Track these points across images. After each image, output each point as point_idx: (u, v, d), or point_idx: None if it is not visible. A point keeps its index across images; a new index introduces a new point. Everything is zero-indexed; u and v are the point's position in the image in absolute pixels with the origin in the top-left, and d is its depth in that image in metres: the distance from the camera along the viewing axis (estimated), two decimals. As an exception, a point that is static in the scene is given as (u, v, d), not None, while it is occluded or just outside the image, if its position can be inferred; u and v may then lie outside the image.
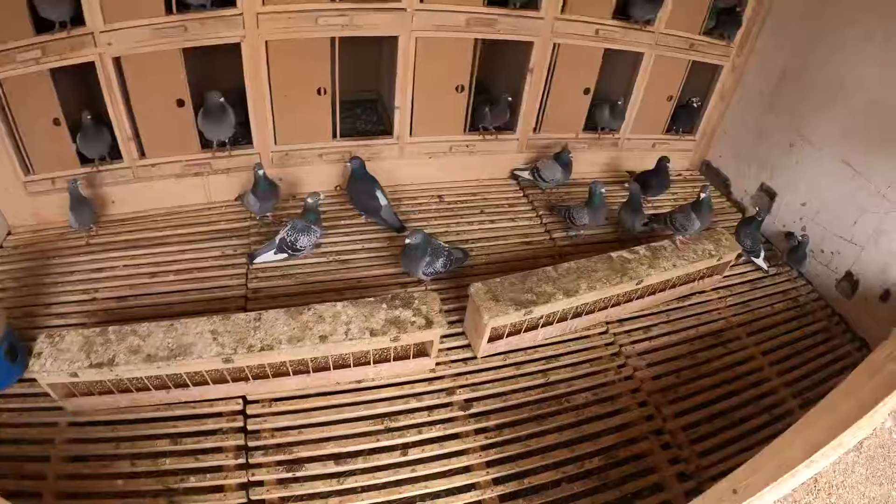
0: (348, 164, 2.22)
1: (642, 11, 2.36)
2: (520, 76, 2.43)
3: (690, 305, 2.19)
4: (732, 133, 2.85)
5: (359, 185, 2.23)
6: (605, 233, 2.45)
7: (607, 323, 2.02)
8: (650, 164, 2.62)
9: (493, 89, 2.65)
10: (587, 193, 2.25)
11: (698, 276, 2.16)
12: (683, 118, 2.86)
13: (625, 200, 2.36)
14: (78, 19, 1.88)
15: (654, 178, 2.58)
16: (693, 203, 2.12)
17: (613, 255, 1.98)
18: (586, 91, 2.54)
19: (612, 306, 1.98)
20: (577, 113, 2.62)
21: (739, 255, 2.24)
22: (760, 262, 2.38)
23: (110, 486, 1.44)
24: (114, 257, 2.12)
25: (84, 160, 2.20)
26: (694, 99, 2.81)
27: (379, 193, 2.21)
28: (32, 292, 1.98)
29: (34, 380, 1.52)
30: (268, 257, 2.05)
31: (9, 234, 2.23)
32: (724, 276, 2.28)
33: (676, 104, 2.77)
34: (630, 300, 2.02)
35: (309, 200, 2.03)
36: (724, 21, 2.58)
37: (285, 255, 2.05)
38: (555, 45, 2.34)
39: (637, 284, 1.92)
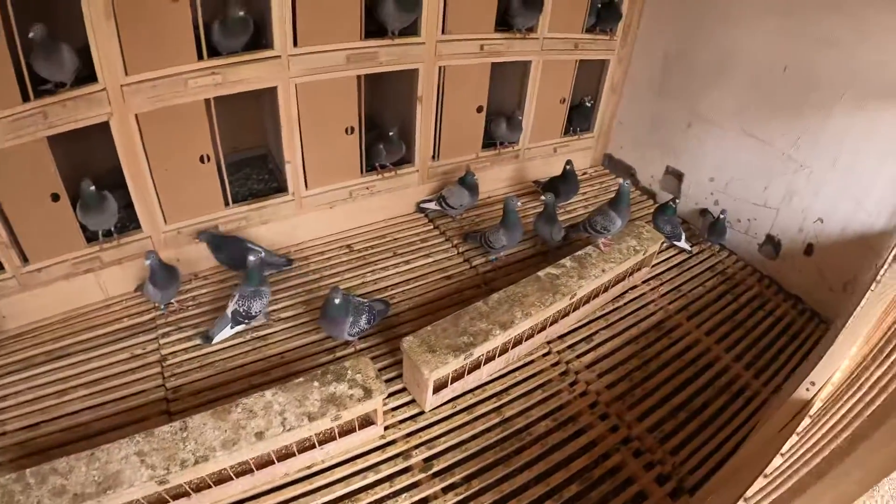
0: (197, 239, 2.14)
1: (523, 20, 2.38)
2: (409, 105, 2.39)
3: (626, 304, 2.22)
4: (629, 123, 2.94)
5: (230, 248, 2.15)
6: (525, 249, 2.44)
7: (549, 343, 2.01)
8: (555, 170, 2.67)
9: (383, 124, 2.58)
10: (501, 212, 2.23)
11: (628, 273, 2.19)
12: (578, 118, 2.93)
13: (539, 212, 2.35)
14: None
15: (563, 184, 2.61)
16: (610, 201, 2.14)
17: (541, 273, 1.97)
18: (479, 109, 2.54)
19: (551, 325, 1.97)
20: (473, 133, 2.62)
21: (662, 242, 2.28)
22: (683, 244, 2.46)
23: None
24: (14, 381, 1.88)
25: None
26: (586, 98, 2.87)
27: (250, 244, 2.16)
28: None
29: None
30: (225, 334, 1.95)
31: None
32: (652, 267, 2.32)
33: (570, 105, 2.82)
34: (567, 314, 2.01)
35: (251, 259, 1.90)
36: (604, 16, 2.65)
37: (242, 325, 1.95)
38: (441, 67, 2.32)
39: (571, 299, 1.92)
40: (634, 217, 2.62)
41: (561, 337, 2.04)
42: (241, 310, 1.92)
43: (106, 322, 2.09)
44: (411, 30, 2.20)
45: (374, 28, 2.14)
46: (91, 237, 2.06)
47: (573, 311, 2.03)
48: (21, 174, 1.84)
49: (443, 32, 2.23)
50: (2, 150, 1.76)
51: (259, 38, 2.01)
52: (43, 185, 1.88)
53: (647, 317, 2.17)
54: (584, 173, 3.00)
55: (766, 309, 2.28)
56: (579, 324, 2.10)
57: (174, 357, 1.93)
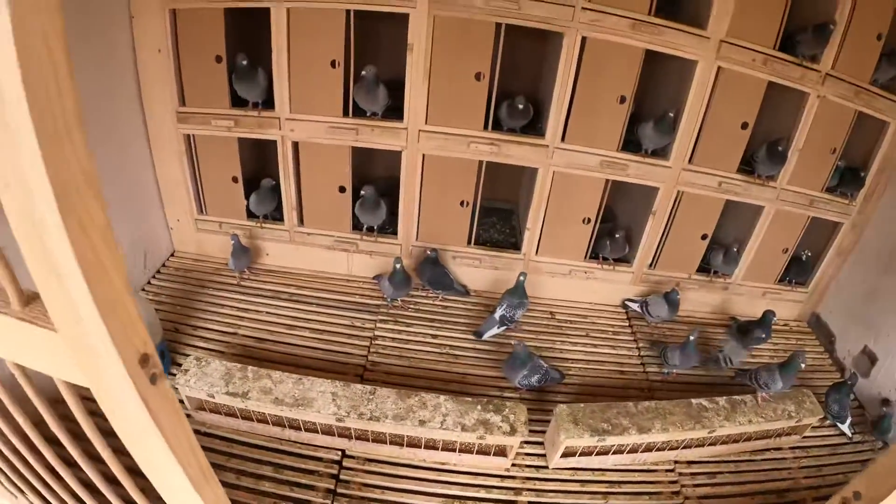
0: (428, 253, 2.63)
1: (765, 168, 2.55)
2: (644, 215, 2.69)
3: (762, 460, 2.28)
4: (846, 290, 2.93)
5: (436, 269, 2.65)
6: (699, 375, 2.59)
7: (675, 462, 2.18)
8: (758, 311, 2.76)
9: (617, 219, 2.95)
10: (687, 334, 2.44)
11: (775, 433, 2.29)
12: (796, 269, 2.97)
13: (725, 344, 2.54)
14: (269, 104, 2.44)
15: (757, 329, 2.69)
16: (782, 362, 2.25)
17: (694, 401, 2.16)
18: (704, 237, 2.76)
19: (683, 448, 2.16)
20: (692, 255, 2.83)
21: (823, 418, 2.33)
22: (845, 428, 2.42)
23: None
24: (259, 302, 2.59)
25: (250, 215, 2.74)
26: (805, 252, 2.92)
27: (451, 275, 2.70)
28: (184, 312, 2.50)
29: (175, 387, 1.93)
30: (492, 332, 2.52)
31: (172, 255, 2.83)
32: (803, 437, 2.37)
33: (791, 255, 2.90)
34: (702, 445, 2.18)
35: (521, 279, 2.47)
36: (847, 180, 2.71)
37: (505, 327, 2.52)
38: (679, 192, 2.59)
39: (709, 433, 2.11)
40: (813, 385, 2.62)
41: (689, 462, 2.20)
42: (508, 315, 2.47)
43: (342, 291, 2.73)
44: (662, 153, 2.51)
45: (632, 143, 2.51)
46: (356, 227, 2.71)
47: (709, 444, 2.19)
48: (324, 166, 2.55)
49: (689, 161, 2.51)
50: (318, 144, 2.47)
51: (535, 122, 2.48)
52: (336, 179, 2.58)
53: (776, 480, 2.22)
54: (786, 324, 3.05)
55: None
56: (710, 458, 2.23)
57: (382, 340, 2.47)
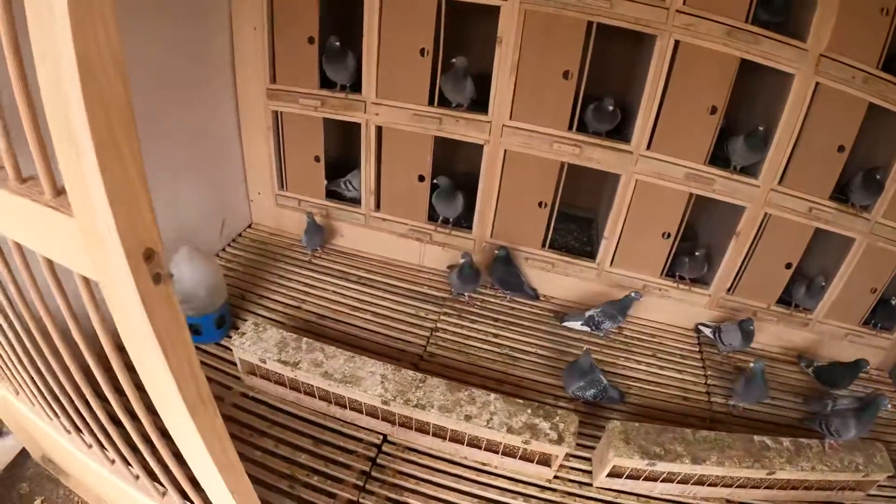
0: (497, 251, 2.61)
1: (860, 197, 2.40)
2: (727, 236, 2.58)
3: None
4: None
5: (508, 268, 2.64)
6: (768, 413, 2.45)
7: (727, 501, 2.08)
8: (836, 354, 2.63)
9: (699, 237, 2.85)
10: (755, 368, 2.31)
11: (838, 486, 2.14)
12: (883, 313, 2.77)
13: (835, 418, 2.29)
14: (356, 87, 2.49)
15: (846, 372, 2.52)
16: (857, 409, 2.10)
17: (756, 438, 2.05)
18: (788, 265, 2.61)
19: (738, 486, 2.05)
20: (774, 284, 2.69)
21: (891, 476, 2.15)
22: None
23: (249, 452, 1.86)
24: (327, 281, 2.67)
25: (329, 194, 2.82)
26: (895, 297, 2.72)
27: (523, 277, 2.71)
28: (252, 281, 2.61)
29: (229, 348, 2.04)
30: (574, 325, 2.58)
31: (249, 226, 2.96)
32: (868, 494, 2.22)
33: (879, 297, 2.70)
34: (758, 487, 2.07)
35: (633, 295, 2.50)
36: None
37: (588, 329, 2.56)
38: (765, 214, 2.46)
39: (767, 474, 2.00)
40: (887, 440, 2.40)
41: (741, 503, 2.08)
42: (597, 319, 2.51)
43: (411, 280, 2.77)
44: (751, 170, 2.41)
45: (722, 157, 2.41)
46: (432, 217, 2.75)
47: (765, 487, 2.07)
48: (407, 153, 2.60)
49: (779, 182, 2.38)
50: (402, 130, 2.51)
51: (622, 128, 2.42)
52: (417, 167, 2.61)
53: (831, 536, 2.09)
54: (865, 372, 2.81)
55: None
56: (766, 500, 2.11)
57: (444, 332, 2.49)
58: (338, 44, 2.36)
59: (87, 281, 0.84)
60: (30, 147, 0.74)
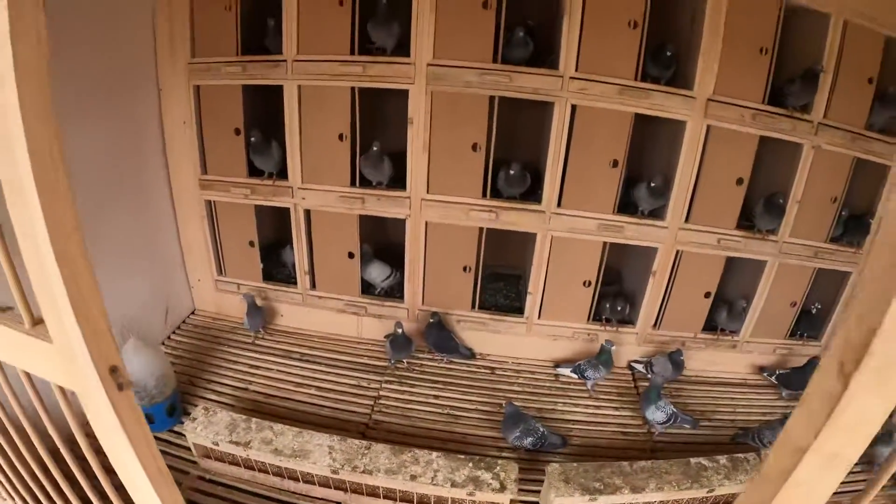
0: (431, 318, 2.77)
1: (765, 223, 2.62)
2: (644, 278, 2.79)
3: None
4: None
5: (441, 333, 2.80)
6: (706, 435, 2.60)
7: None
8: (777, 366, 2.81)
9: (621, 282, 3.07)
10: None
11: None
12: (807, 323, 2.97)
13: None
14: (283, 174, 2.68)
15: (805, 376, 2.67)
16: (783, 418, 2.26)
17: (692, 460, 2.19)
18: (707, 294, 2.82)
19: (681, 510, 2.19)
20: (696, 313, 2.89)
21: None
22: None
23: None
24: (271, 360, 2.78)
25: (267, 276, 2.96)
26: (815, 304, 2.92)
27: (457, 339, 2.85)
28: (199, 366, 2.71)
29: (183, 434, 2.15)
30: (565, 372, 2.78)
31: (193, 312, 3.07)
32: None
33: (801, 309, 2.90)
34: (705, 506, 2.21)
35: (606, 345, 2.67)
36: (852, 228, 2.74)
37: (576, 376, 2.75)
38: (677, 251, 2.67)
39: (708, 493, 2.14)
40: None
41: None
42: (581, 368, 2.69)
43: (351, 352, 2.90)
44: (658, 213, 2.61)
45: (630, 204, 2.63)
46: (365, 290, 2.91)
47: None
48: (335, 232, 2.77)
49: (686, 220, 2.59)
50: (326, 212, 2.70)
51: (534, 188, 2.63)
52: (346, 245, 2.78)
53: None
54: None
55: None
56: None
57: (387, 399, 2.61)
58: (259, 137, 2.55)
59: (61, 388, 1.09)
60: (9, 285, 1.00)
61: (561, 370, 2.81)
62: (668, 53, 2.40)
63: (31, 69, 0.74)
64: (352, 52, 2.43)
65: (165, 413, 2.33)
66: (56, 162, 0.80)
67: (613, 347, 2.71)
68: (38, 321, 1.01)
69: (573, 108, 2.41)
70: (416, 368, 2.83)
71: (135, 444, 1.06)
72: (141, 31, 2.53)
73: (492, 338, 2.93)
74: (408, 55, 2.40)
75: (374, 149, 2.51)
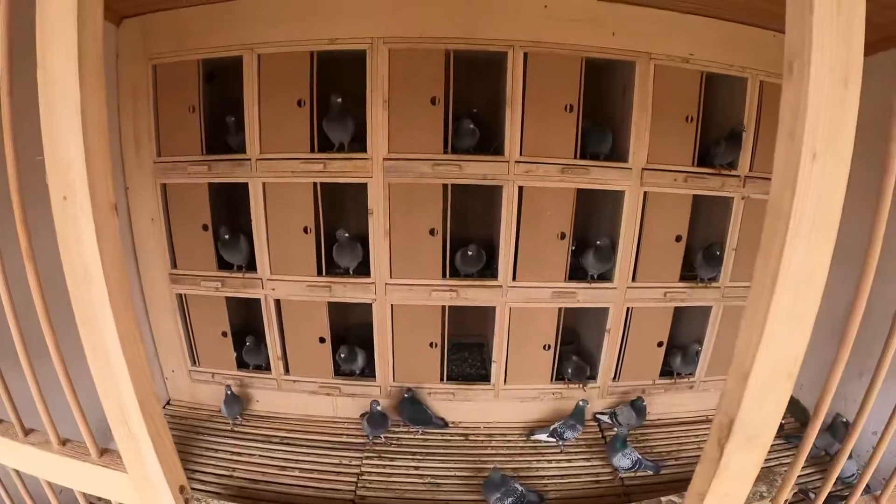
0: (405, 394, 2.92)
1: (706, 272, 2.86)
2: (599, 335, 3.00)
3: None
4: (809, 364, 3.07)
5: (414, 406, 2.95)
6: (677, 472, 2.76)
7: None
8: None
9: (579, 340, 3.30)
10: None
11: None
12: None
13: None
14: (252, 266, 2.81)
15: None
16: None
17: (663, 498, 2.28)
18: (660, 344, 3.04)
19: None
20: (652, 362, 3.10)
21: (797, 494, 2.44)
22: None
23: None
24: (252, 445, 2.86)
25: (241, 364, 3.08)
26: None
27: (430, 411, 2.99)
28: (180, 457, 2.71)
29: None
30: (542, 438, 2.89)
31: (168, 403, 3.15)
32: None
33: None
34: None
35: (580, 404, 2.82)
36: None
37: (554, 440, 2.86)
38: (627, 308, 2.89)
39: (679, 531, 2.33)
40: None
41: None
42: (560, 431, 2.82)
43: (330, 432, 3.01)
44: (607, 276, 2.84)
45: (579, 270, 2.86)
46: (339, 372, 3.05)
47: None
48: (304, 320, 2.92)
49: (633, 280, 2.83)
50: (296, 301, 2.86)
51: (490, 264, 2.85)
52: (316, 331, 2.94)
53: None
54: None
55: None
56: None
57: (369, 475, 2.72)
58: (227, 235, 2.71)
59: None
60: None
61: (537, 436, 2.94)
62: (604, 132, 2.69)
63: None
64: (312, 150, 2.64)
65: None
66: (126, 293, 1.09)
67: (588, 406, 2.88)
68: (103, 451, 1.28)
69: (520, 189, 2.65)
70: (394, 442, 2.96)
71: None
72: (105, 130, 2.68)
73: (462, 406, 3.09)
74: (365, 150, 2.62)
75: (346, 236, 2.70)
